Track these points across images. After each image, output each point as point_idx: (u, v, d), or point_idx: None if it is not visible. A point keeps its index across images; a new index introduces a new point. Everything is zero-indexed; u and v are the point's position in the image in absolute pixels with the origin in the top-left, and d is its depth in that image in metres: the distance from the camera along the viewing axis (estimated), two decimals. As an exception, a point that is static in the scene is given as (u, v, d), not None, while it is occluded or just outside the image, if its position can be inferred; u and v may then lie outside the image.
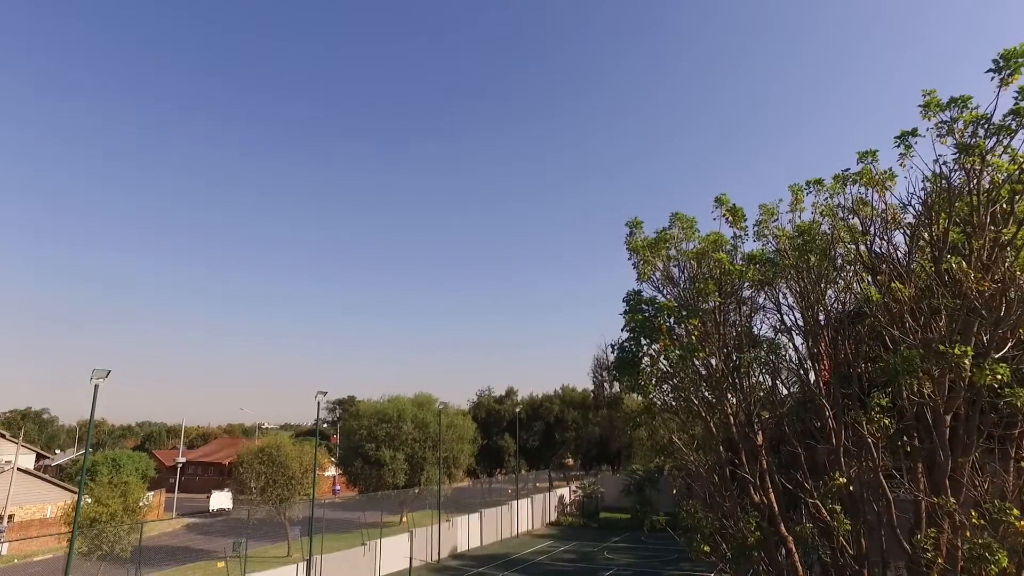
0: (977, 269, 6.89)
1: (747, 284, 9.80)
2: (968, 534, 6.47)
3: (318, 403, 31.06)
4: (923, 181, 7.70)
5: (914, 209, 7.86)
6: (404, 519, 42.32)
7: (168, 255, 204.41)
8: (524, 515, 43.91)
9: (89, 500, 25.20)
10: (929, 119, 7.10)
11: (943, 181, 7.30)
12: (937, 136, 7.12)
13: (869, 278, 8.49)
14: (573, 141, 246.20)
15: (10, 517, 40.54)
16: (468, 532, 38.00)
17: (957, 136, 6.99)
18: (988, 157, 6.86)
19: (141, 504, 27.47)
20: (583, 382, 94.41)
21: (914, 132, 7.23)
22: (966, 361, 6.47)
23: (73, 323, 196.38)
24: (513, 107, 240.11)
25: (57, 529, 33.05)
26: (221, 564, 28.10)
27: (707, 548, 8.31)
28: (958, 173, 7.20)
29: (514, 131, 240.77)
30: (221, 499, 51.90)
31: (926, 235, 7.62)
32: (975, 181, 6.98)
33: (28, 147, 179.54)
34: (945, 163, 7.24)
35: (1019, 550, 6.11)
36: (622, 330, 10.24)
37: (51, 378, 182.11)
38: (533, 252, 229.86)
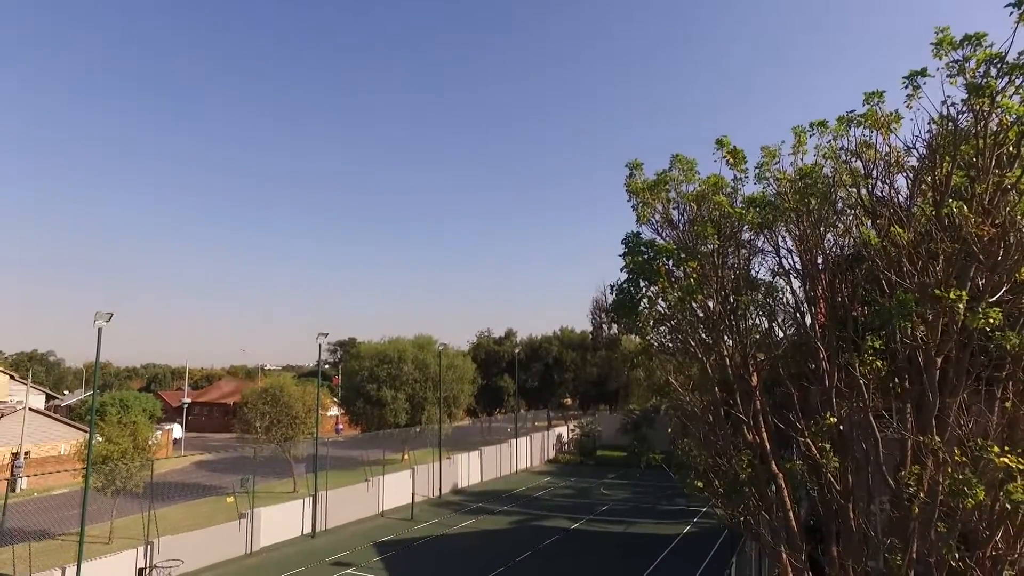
0: (978, 213, 6.87)
1: (746, 227, 9.79)
2: (950, 470, 6.69)
3: (320, 345, 31.48)
4: (929, 123, 7.57)
5: (918, 152, 7.77)
6: (406, 457, 43.59)
7: (166, 194, 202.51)
8: (523, 453, 45.23)
9: (100, 439, 25.89)
10: (940, 58, 6.91)
11: (950, 123, 7.18)
12: (947, 76, 6.95)
13: (869, 222, 8.47)
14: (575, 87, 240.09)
15: (26, 454, 41.81)
16: (468, 469, 39.24)
17: (968, 76, 6.81)
18: (998, 98, 6.71)
19: (150, 442, 28.23)
20: (582, 324, 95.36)
21: (923, 72, 7.05)
22: (960, 305, 6.54)
23: (75, 266, 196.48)
24: (517, 34, 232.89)
25: (72, 465, 34.10)
26: (230, 499, 29.10)
27: (701, 484, 8.62)
28: (966, 115, 7.07)
29: (515, 58, 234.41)
30: (176, 431, 58.66)
31: (929, 179, 7.56)
32: (983, 123, 6.86)
33: (25, 72, 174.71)
34: (953, 104, 7.10)
35: (996, 484, 6.33)
36: (621, 271, 10.30)
37: (55, 321, 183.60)
38: (533, 194, 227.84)
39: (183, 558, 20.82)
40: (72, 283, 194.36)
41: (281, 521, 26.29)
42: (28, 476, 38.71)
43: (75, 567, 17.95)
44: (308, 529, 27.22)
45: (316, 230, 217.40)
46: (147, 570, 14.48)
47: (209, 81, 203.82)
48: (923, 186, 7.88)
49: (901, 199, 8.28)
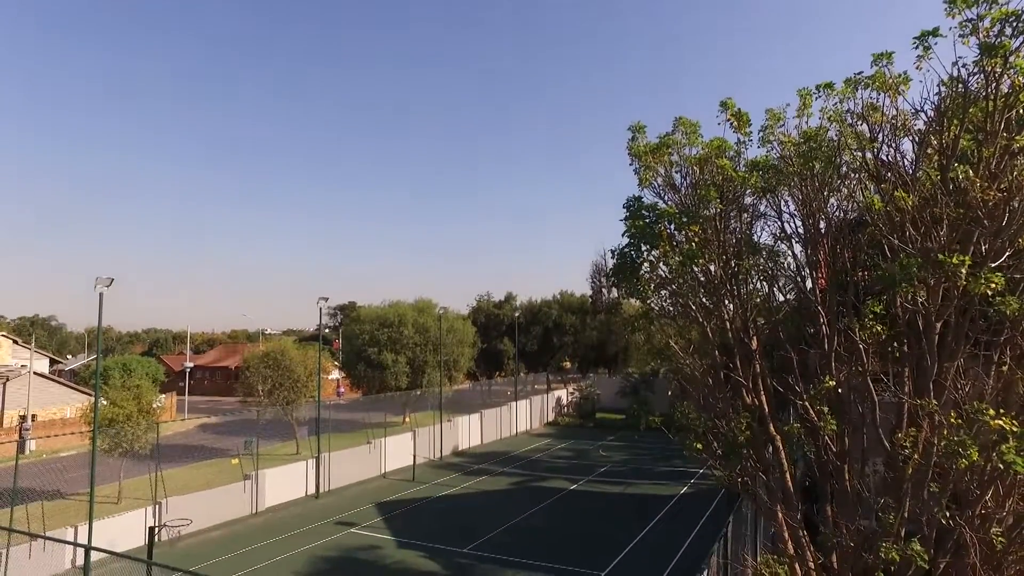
0: (984, 178, 6.81)
1: (749, 191, 9.73)
2: (945, 432, 6.79)
3: (320, 309, 31.62)
4: (939, 86, 7.45)
5: (925, 115, 7.66)
6: (407, 419, 44.20)
7: (165, 160, 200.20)
8: (523, 415, 45.87)
9: (105, 402, 26.20)
10: (954, 16, 6.75)
11: (960, 85, 7.06)
12: (960, 36, 6.80)
13: (873, 186, 8.41)
14: (574, 36, 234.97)
15: (33, 417, 42.40)
16: (469, 431, 39.85)
17: (982, 35, 6.66)
18: (1011, 59, 6.58)
19: (155, 406, 28.59)
20: (581, 288, 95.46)
21: (935, 32, 6.89)
22: (963, 270, 6.54)
23: (74, 230, 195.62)
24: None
25: (78, 428, 34.60)
26: (235, 461, 29.62)
27: (699, 446, 8.76)
28: (977, 76, 6.95)
29: (515, 21, 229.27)
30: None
31: (935, 142, 7.47)
32: (994, 85, 6.75)
33: (25, 38, 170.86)
34: (964, 65, 6.97)
35: (990, 446, 6.44)
36: (622, 236, 10.27)
37: (55, 286, 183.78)
38: (533, 157, 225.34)
39: (191, 518, 21.31)
40: (72, 248, 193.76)
41: (285, 482, 26.82)
42: (36, 439, 39.33)
43: (87, 525, 18.38)
44: (312, 490, 27.78)
45: (313, 196, 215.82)
46: (157, 528, 14.86)
47: (215, 43, 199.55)
48: (929, 150, 7.79)
49: (906, 163, 8.20)
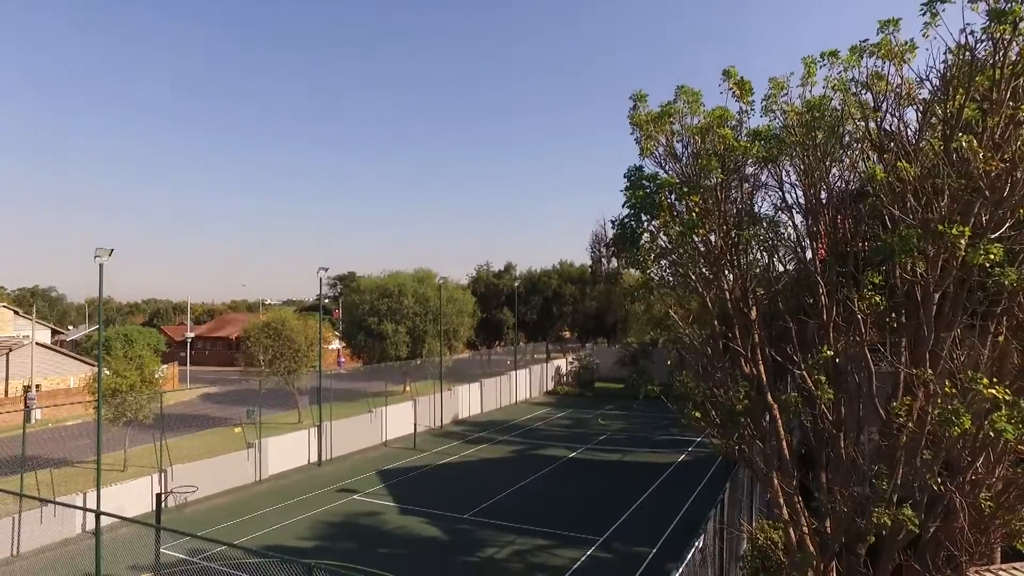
0: (987, 148, 6.76)
1: (750, 161, 9.66)
2: (940, 401, 6.89)
3: (320, 279, 31.63)
4: (945, 53, 7.35)
5: (931, 84, 7.57)
6: (407, 388, 44.59)
7: (164, 130, 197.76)
8: (522, 385, 46.29)
9: (108, 372, 26.40)
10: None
11: (967, 53, 6.96)
12: (969, 2, 6.68)
13: (875, 156, 8.36)
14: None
15: (37, 387, 42.77)
16: (469, 400, 40.26)
17: (991, 1, 6.55)
18: (1021, 25, 6.47)
19: (157, 376, 28.81)
20: (581, 257, 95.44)
21: (945, -3, 6.77)
22: (962, 241, 6.55)
23: (73, 200, 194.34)
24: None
25: (82, 398, 34.93)
26: (238, 429, 30.00)
27: (698, 414, 8.88)
28: (985, 44, 6.84)
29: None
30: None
31: (939, 111, 7.40)
32: (1002, 52, 6.65)
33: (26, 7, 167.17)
34: (972, 32, 6.86)
35: (982, 414, 6.54)
36: (623, 206, 10.24)
37: (54, 256, 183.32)
38: (534, 127, 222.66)
39: (196, 485, 21.67)
40: (70, 218, 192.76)
41: (288, 450, 27.20)
42: (41, 408, 39.75)
43: (95, 492, 18.72)
44: (314, 458, 28.19)
45: (313, 165, 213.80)
46: (164, 495, 15.16)
47: (215, 6, 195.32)
48: (933, 120, 7.73)
49: (910, 133, 8.14)
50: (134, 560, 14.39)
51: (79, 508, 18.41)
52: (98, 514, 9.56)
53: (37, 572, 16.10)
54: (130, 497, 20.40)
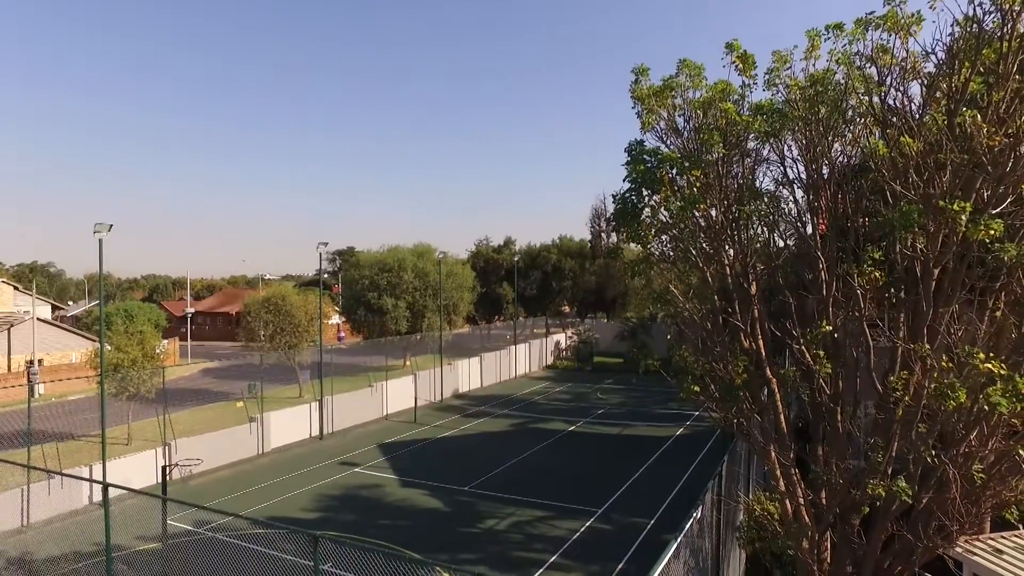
0: (992, 123, 6.72)
1: (752, 135, 9.59)
2: (936, 375, 6.96)
3: (320, 254, 31.64)
4: (952, 26, 7.25)
5: (936, 58, 7.48)
6: (407, 363, 44.86)
7: (164, 104, 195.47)
8: (522, 359, 46.57)
9: (109, 348, 26.54)
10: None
11: (974, 25, 6.87)
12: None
13: (878, 131, 8.30)
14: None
15: (39, 362, 42.99)
16: (469, 375, 40.55)
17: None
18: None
19: (158, 351, 28.97)
20: (581, 232, 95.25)
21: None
22: (963, 217, 6.55)
23: (71, 176, 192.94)
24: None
25: (84, 373, 35.16)
26: (240, 404, 30.25)
27: (697, 388, 8.97)
28: (993, 15, 6.75)
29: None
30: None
31: (944, 86, 7.34)
32: (1010, 24, 6.57)
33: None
34: (980, 4, 6.76)
35: (978, 388, 6.62)
36: (624, 180, 10.20)
37: (52, 232, 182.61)
38: (533, 102, 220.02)
39: (200, 458, 21.95)
40: (69, 194, 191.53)
41: (290, 424, 27.48)
42: (44, 382, 40.02)
43: (101, 464, 18.97)
44: (316, 432, 28.50)
45: (313, 142, 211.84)
46: (169, 467, 15.40)
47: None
48: (938, 94, 7.66)
49: (913, 108, 8.08)
50: (141, 531, 14.65)
51: (87, 480, 18.69)
52: (106, 485, 9.71)
53: (48, 542, 16.41)
54: (135, 470, 20.70)
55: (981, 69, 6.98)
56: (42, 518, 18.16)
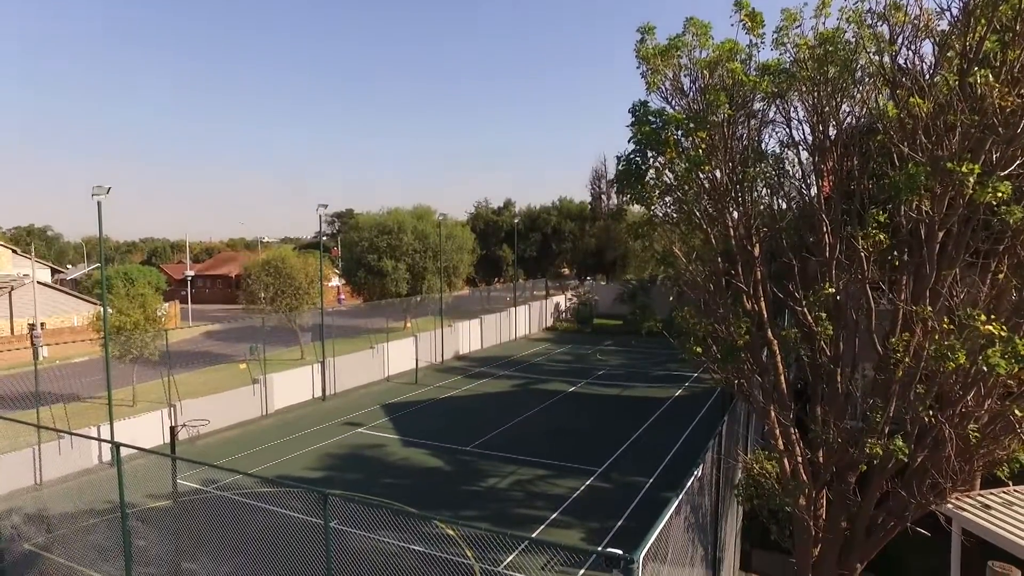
0: (1005, 83, 6.63)
1: (759, 96, 9.46)
2: (936, 337, 7.04)
3: (320, 216, 31.50)
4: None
5: (950, 15, 7.32)
6: (408, 325, 45.14)
7: (161, 66, 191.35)
8: (522, 321, 46.85)
9: (111, 310, 26.66)
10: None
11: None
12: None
13: (887, 92, 8.19)
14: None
15: (42, 325, 43.20)
16: (469, 336, 40.85)
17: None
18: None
19: (159, 314, 29.11)
20: (581, 194, 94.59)
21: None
22: (971, 179, 6.53)
23: (69, 138, 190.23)
24: None
25: (87, 336, 35.38)
26: (243, 366, 30.54)
27: (699, 349, 9.07)
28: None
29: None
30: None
31: (957, 45, 7.20)
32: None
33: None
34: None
35: (977, 350, 6.71)
36: (628, 141, 10.09)
37: (49, 194, 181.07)
38: (534, 63, 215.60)
39: (208, 419, 22.30)
40: (66, 156, 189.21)
41: (293, 386, 27.83)
42: (47, 345, 40.26)
43: (108, 425, 19.28)
44: (318, 393, 28.87)
45: (311, 102, 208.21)
46: (177, 428, 15.70)
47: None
48: (950, 53, 7.52)
49: (924, 68, 7.95)
50: (151, 490, 14.99)
51: (98, 439, 19.04)
52: (117, 445, 9.89)
53: (63, 498, 16.83)
54: (142, 430, 21.03)
55: (997, 27, 6.85)
56: (55, 476, 18.57)
